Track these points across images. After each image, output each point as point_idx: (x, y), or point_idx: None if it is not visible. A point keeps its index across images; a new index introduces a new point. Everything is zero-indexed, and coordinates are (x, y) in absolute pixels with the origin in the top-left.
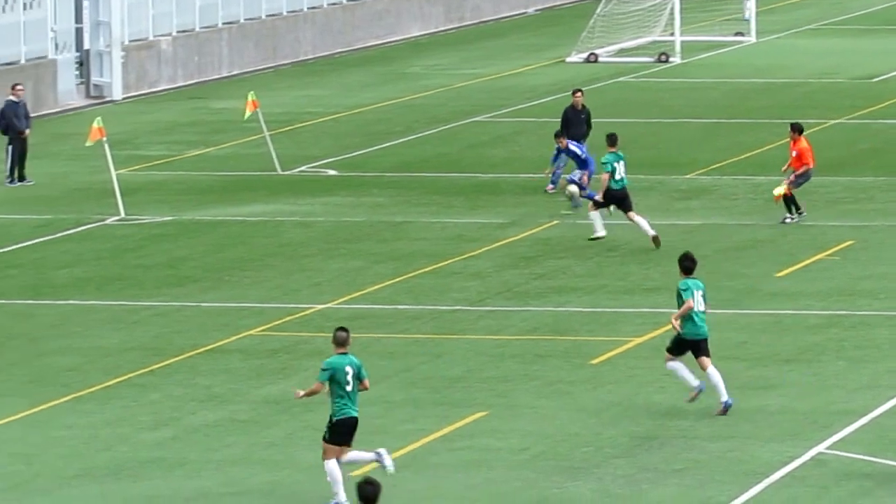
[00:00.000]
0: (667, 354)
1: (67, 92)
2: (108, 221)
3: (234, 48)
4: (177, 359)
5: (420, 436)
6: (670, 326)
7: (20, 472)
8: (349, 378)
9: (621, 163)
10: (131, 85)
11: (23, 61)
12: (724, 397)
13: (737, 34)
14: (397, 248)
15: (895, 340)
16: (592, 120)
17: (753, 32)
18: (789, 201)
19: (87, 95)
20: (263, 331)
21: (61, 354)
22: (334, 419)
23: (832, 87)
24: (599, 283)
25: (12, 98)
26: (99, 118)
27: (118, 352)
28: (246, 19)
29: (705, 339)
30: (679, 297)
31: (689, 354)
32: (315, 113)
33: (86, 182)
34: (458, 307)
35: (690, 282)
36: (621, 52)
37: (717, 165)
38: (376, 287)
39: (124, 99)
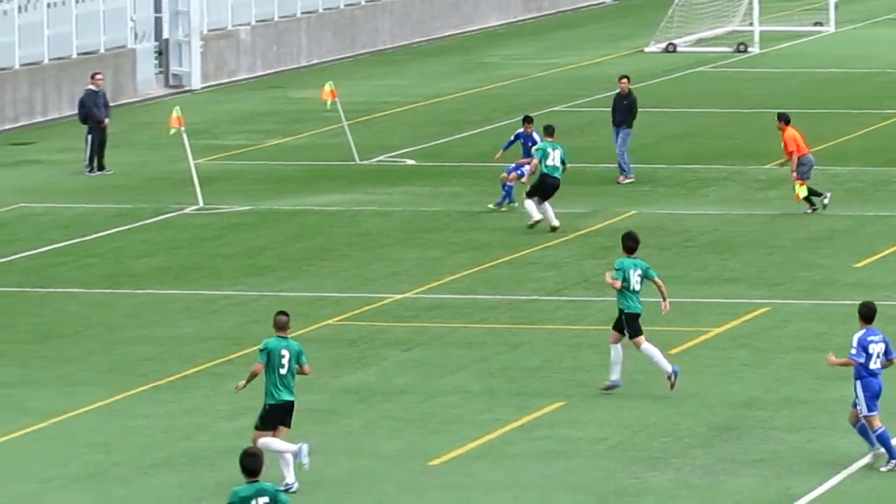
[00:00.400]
0: (614, 333)
1: (146, 81)
2: (186, 211)
3: (313, 38)
4: (254, 348)
5: (498, 426)
6: (749, 317)
7: (99, 461)
8: (284, 362)
9: (557, 151)
10: (210, 74)
11: (102, 51)
12: (668, 368)
13: (816, 24)
14: (475, 238)
15: None
16: (638, 108)
17: (832, 22)
18: (810, 193)
19: (166, 85)
20: (341, 320)
21: (139, 344)
22: (267, 404)
23: None
24: (677, 274)
25: (92, 87)
26: (178, 107)
27: (196, 341)
28: (324, 9)
29: (637, 315)
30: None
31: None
32: (393, 102)
33: (164, 171)
34: (535, 297)
35: (628, 261)
36: (700, 42)
37: None
38: (454, 277)
39: (203, 88)
